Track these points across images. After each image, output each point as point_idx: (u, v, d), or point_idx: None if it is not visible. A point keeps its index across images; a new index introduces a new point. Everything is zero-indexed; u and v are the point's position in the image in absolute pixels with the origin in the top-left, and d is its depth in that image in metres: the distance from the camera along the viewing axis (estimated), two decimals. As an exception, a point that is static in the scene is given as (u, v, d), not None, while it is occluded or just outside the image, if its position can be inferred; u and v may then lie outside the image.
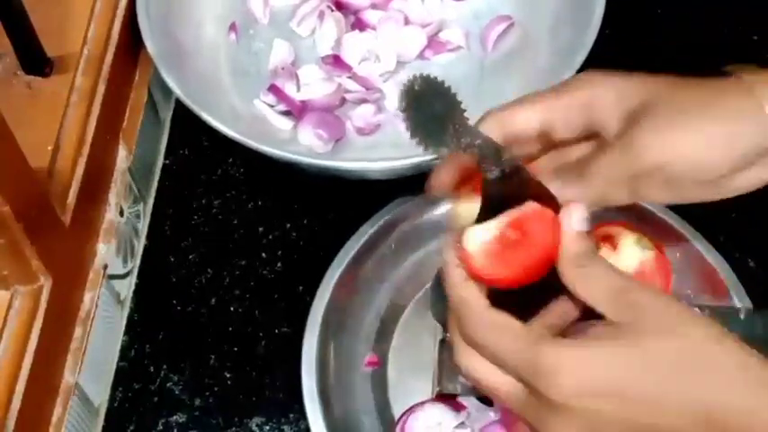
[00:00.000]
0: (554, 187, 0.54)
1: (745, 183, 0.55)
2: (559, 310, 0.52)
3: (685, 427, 0.47)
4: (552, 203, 0.54)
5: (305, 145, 0.80)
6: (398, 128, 0.81)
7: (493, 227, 0.53)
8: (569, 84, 0.57)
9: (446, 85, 0.54)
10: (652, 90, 0.55)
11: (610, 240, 0.58)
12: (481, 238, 0.52)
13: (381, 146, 0.80)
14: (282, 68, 0.83)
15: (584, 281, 0.50)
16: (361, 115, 0.81)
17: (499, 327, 0.50)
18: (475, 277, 0.52)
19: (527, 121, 0.57)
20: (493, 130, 0.56)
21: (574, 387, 0.47)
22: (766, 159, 0.54)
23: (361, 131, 0.81)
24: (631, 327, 0.48)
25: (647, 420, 0.47)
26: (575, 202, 0.52)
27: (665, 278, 0.57)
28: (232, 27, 0.85)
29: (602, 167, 0.55)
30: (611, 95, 0.55)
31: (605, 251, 0.57)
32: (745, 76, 0.55)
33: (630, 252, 0.57)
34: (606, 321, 0.49)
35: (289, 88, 0.82)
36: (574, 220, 0.51)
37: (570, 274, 0.51)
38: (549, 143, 0.58)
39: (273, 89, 0.81)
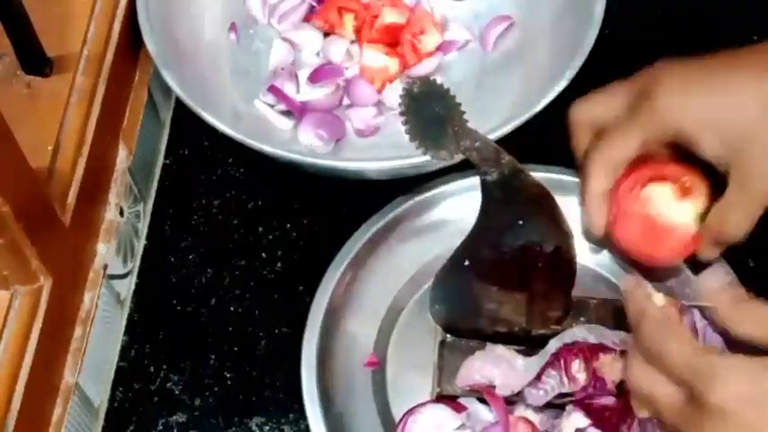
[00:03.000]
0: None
1: None
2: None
3: None
4: (550, 204, 0.54)
5: (305, 145, 0.80)
6: (399, 129, 0.81)
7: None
8: (657, 109, 0.62)
9: (445, 87, 0.54)
10: (741, 113, 0.59)
11: (684, 188, 0.61)
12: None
13: (381, 146, 0.80)
14: (282, 69, 0.83)
15: (750, 322, 0.54)
16: (361, 117, 0.81)
17: (672, 332, 0.53)
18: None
19: (628, 149, 0.61)
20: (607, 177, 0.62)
21: (734, 392, 0.49)
22: None
23: (360, 133, 0.81)
24: None
25: None
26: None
27: None
28: (232, 27, 0.85)
29: (736, 216, 0.61)
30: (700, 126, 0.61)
31: (669, 193, 0.60)
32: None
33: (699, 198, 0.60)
34: None
35: (288, 89, 0.81)
36: (724, 272, 0.57)
37: (736, 319, 0.54)
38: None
39: (273, 90, 0.81)
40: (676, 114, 0.60)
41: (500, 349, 0.67)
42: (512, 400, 0.67)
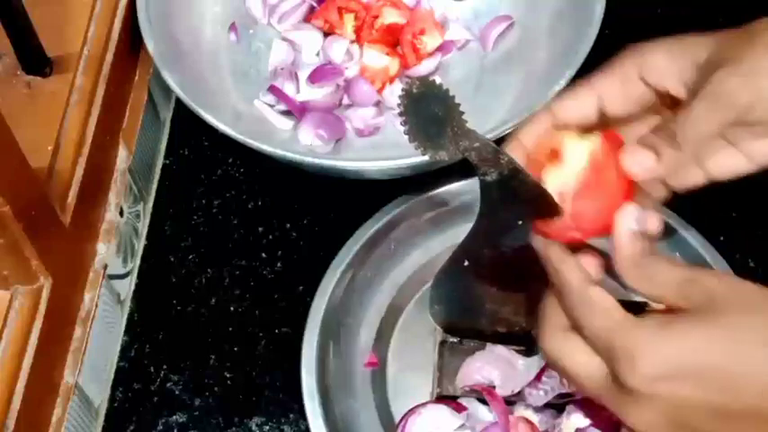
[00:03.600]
0: (646, 158, 0.53)
1: None
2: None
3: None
4: (550, 204, 0.54)
5: (305, 145, 0.80)
6: (398, 129, 0.81)
7: (571, 174, 0.53)
8: (615, 61, 0.57)
9: (444, 88, 0.54)
10: (711, 42, 0.55)
11: (555, 155, 0.56)
12: (560, 188, 0.53)
13: (381, 146, 0.80)
14: (282, 69, 0.83)
15: (647, 280, 0.50)
16: (360, 117, 0.81)
17: (595, 303, 0.50)
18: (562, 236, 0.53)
19: (580, 107, 0.57)
20: (545, 125, 0.56)
21: (651, 374, 0.46)
22: None
23: (360, 133, 0.81)
24: (709, 309, 0.47)
25: (728, 401, 0.46)
26: (629, 203, 0.52)
27: (617, 152, 0.54)
28: (232, 27, 0.85)
29: (694, 124, 0.53)
30: (664, 58, 0.55)
31: (553, 170, 0.55)
32: None
33: (575, 150, 0.55)
34: (680, 311, 0.48)
35: (288, 89, 0.81)
36: (629, 220, 0.51)
37: (632, 275, 0.50)
38: (610, 125, 0.58)
39: (273, 89, 0.81)
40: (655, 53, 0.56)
41: (500, 349, 0.67)
42: (511, 400, 0.67)
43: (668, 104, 0.57)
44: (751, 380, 0.46)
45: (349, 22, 0.85)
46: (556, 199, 0.54)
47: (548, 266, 0.53)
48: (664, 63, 0.55)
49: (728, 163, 0.56)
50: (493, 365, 0.67)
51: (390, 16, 0.84)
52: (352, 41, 0.85)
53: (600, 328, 0.49)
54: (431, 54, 0.84)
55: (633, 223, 0.51)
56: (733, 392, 0.46)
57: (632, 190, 0.53)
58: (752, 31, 0.55)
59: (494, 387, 0.66)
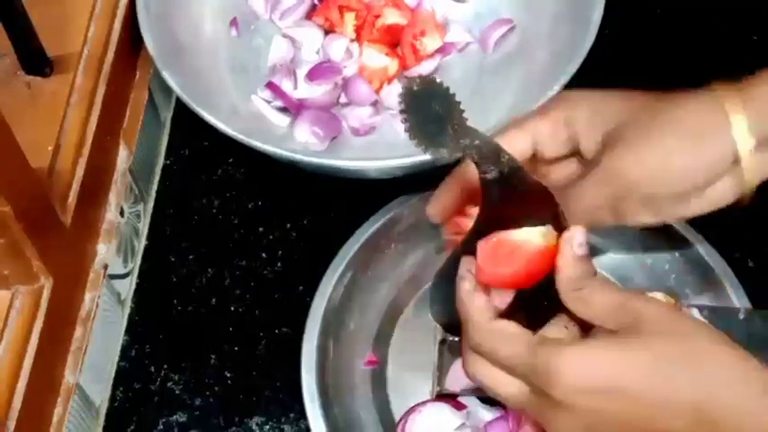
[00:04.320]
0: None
1: (718, 195, 0.57)
2: (561, 324, 0.54)
3: (683, 427, 0.47)
4: (550, 203, 0.54)
5: (301, 142, 0.80)
6: (395, 128, 0.81)
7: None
8: (551, 103, 0.60)
9: (445, 86, 0.54)
10: (626, 110, 0.58)
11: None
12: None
13: (377, 145, 0.81)
14: (281, 65, 0.83)
15: (582, 303, 0.52)
16: (357, 116, 0.81)
17: (501, 333, 0.52)
18: (485, 281, 0.54)
19: (516, 144, 0.59)
20: None
21: (573, 385, 0.48)
22: (736, 171, 0.55)
23: (356, 132, 0.81)
24: (633, 329, 0.49)
25: (644, 418, 0.48)
26: (575, 225, 0.53)
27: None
28: (233, 22, 0.85)
29: (585, 192, 0.57)
30: (584, 115, 0.58)
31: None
32: (718, 89, 0.56)
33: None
34: (608, 331, 0.50)
35: (286, 85, 0.81)
36: (574, 244, 0.52)
37: (569, 298, 0.52)
38: (539, 163, 0.61)
39: (271, 86, 0.81)
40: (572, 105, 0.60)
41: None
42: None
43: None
44: (658, 402, 0.48)
45: (350, 21, 0.85)
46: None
47: (457, 301, 0.55)
48: (583, 121, 0.58)
49: (608, 225, 0.59)
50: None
51: (392, 17, 0.85)
52: (352, 40, 0.85)
53: (514, 354, 0.51)
54: (430, 55, 0.84)
55: (578, 248, 0.52)
56: (643, 413, 0.48)
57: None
58: (659, 107, 0.57)
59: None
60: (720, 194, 0.57)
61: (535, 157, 0.61)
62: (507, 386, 0.52)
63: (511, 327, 0.52)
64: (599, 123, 0.58)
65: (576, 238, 0.52)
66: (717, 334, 0.49)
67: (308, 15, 0.87)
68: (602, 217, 0.58)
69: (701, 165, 0.55)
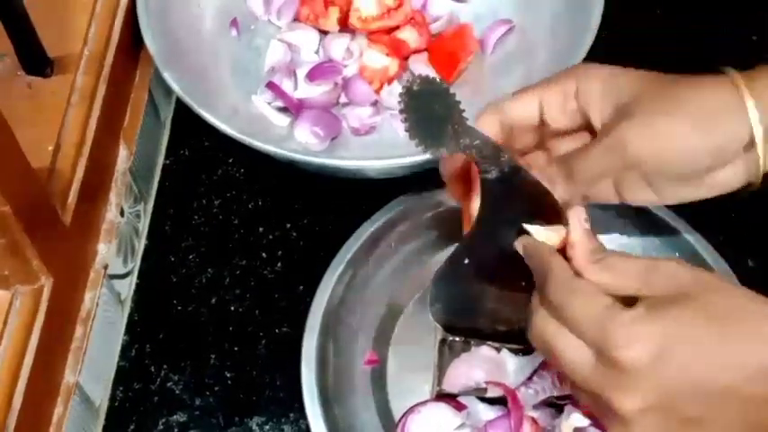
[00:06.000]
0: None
1: (723, 180, 0.56)
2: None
3: (746, 382, 0.47)
4: (550, 203, 0.54)
5: (301, 142, 0.80)
6: (395, 128, 0.81)
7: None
8: (563, 73, 0.59)
9: (445, 85, 0.54)
10: (639, 86, 0.57)
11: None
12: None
13: (377, 145, 0.81)
14: (279, 67, 0.83)
15: (608, 270, 0.52)
16: (357, 116, 0.81)
17: (582, 290, 0.51)
18: None
19: (525, 108, 0.59)
20: (493, 120, 0.58)
21: (642, 353, 0.48)
22: (745, 157, 0.55)
23: (356, 132, 0.81)
24: (682, 292, 0.49)
25: (711, 381, 0.48)
26: (577, 204, 0.53)
27: None
28: (233, 22, 0.85)
29: (590, 156, 0.57)
30: (596, 87, 0.57)
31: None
32: (731, 72, 0.56)
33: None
34: (647, 299, 0.49)
35: (286, 85, 0.82)
36: (581, 219, 0.52)
37: (592, 269, 0.52)
38: (547, 135, 0.60)
39: (271, 86, 0.81)
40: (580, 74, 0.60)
41: (485, 350, 0.67)
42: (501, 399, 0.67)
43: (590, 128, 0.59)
44: (731, 360, 0.47)
45: (333, 14, 0.84)
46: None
47: (533, 262, 0.54)
48: (595, 93, 0.58)
49: (609, 200, 0.59)
50: (478, 367, 0.67)
51: (409, 37, 0.84)
52: (340, 30, 0.85)
53: (589, 315, 0.50)
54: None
55: (585, 222, 0.52)
56: (715, 373, 0.47)
57: None
58: (675, 85, 0.57)
59: (484, 389, 0.66)
60: (725, 180, 0.56)
61: (543, 128, 0.60)
62: (575, 350, 0.50)
63: (591, 286, 0.51)
64: (613, 95, 0.57)
65: (581, 212, 0.53)
66: (753, 293, 0.49)
67: (298, 12, 0.87)
68: (604, 189, 0.57)
69: (710, 147, 0.55)
